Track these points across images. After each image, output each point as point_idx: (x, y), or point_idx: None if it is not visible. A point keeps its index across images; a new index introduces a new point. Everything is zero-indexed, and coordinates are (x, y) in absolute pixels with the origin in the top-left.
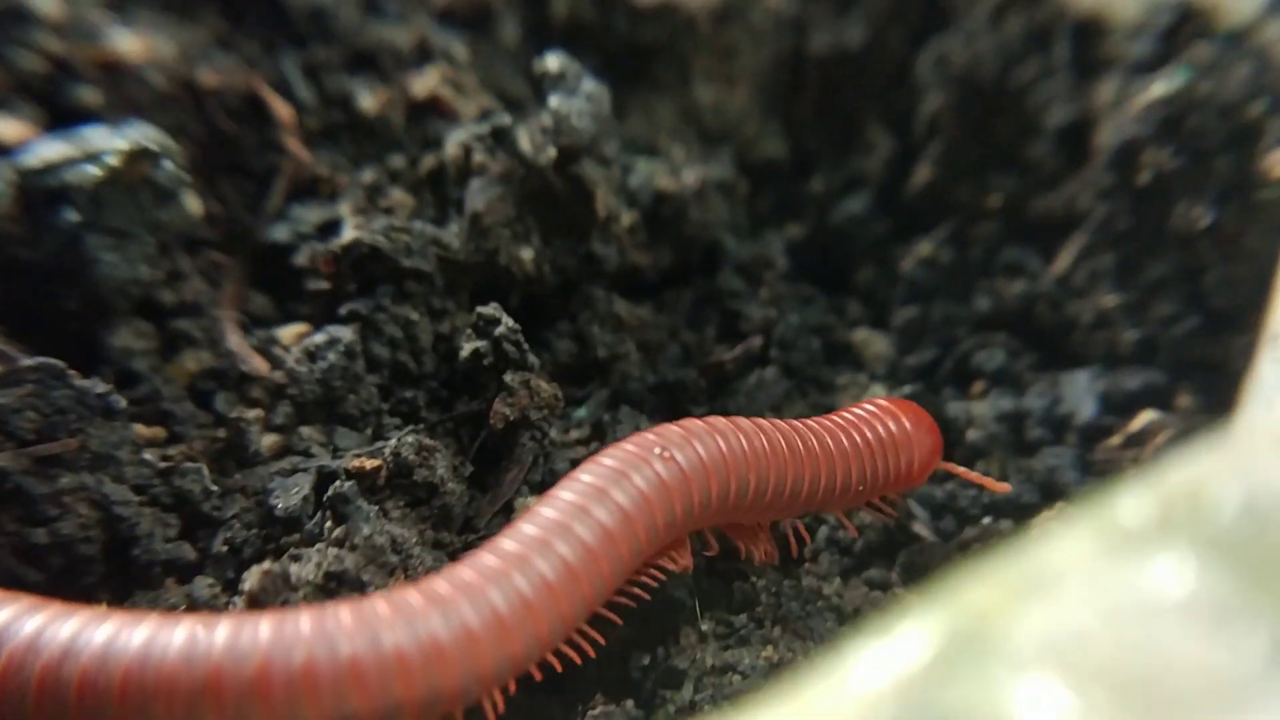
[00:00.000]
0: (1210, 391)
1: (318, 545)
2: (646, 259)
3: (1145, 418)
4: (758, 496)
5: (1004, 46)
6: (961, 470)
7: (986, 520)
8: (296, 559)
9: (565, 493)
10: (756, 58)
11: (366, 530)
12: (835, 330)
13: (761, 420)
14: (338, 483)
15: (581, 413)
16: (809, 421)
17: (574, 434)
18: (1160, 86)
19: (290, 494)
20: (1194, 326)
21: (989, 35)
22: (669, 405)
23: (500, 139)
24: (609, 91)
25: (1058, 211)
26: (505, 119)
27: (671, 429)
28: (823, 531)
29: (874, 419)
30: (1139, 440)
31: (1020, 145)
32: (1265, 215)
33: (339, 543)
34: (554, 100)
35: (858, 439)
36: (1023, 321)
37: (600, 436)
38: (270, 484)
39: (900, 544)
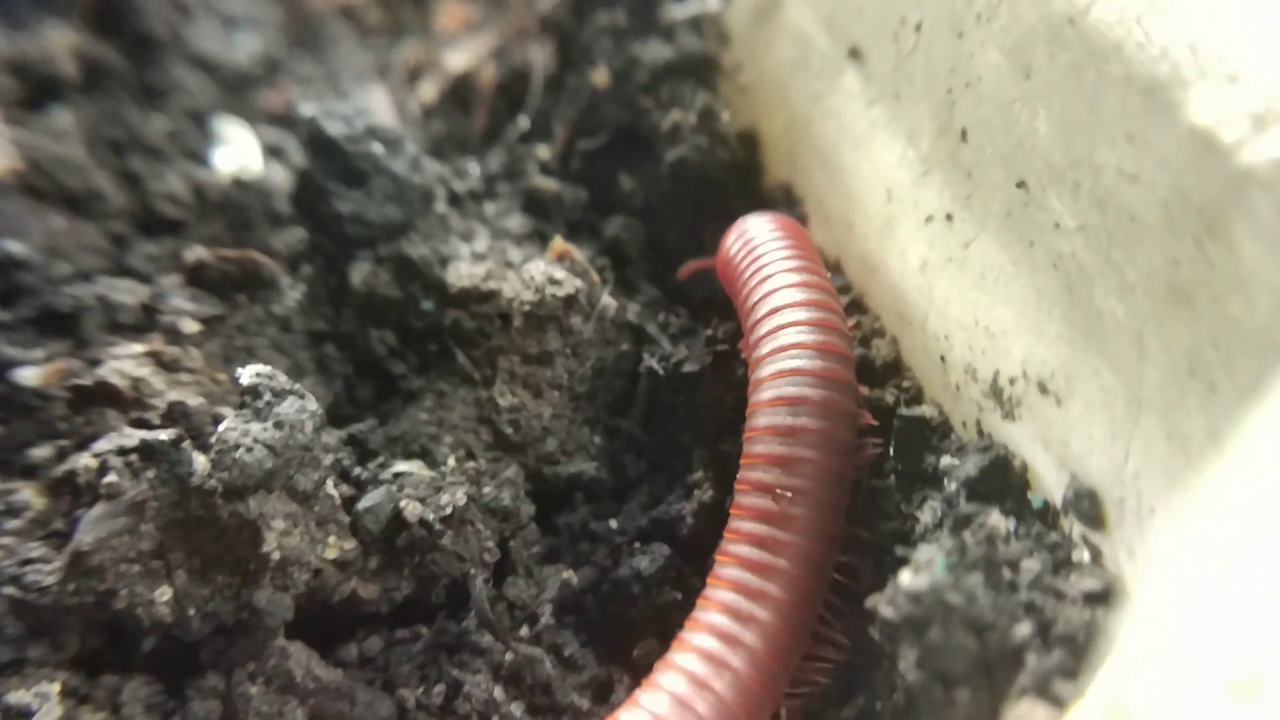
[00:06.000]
0: None
1: None
2: (374, 590)
3: None
4: None
5: None
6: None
7: None
8: None
9: None
10: (574, 367)
11: None
12: None
13: None
14: None
15: None
16: None
17: None
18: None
19: None
20: None
21: None
22: None
23: (152, 455)
24: (319, 413)
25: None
26: (164, 434)
27: None
28: None
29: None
30: None
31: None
32: None
33: None
34: (225, 425)
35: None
36: None
37: None
38: None
39: None
